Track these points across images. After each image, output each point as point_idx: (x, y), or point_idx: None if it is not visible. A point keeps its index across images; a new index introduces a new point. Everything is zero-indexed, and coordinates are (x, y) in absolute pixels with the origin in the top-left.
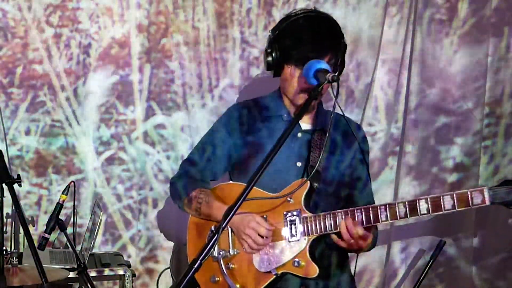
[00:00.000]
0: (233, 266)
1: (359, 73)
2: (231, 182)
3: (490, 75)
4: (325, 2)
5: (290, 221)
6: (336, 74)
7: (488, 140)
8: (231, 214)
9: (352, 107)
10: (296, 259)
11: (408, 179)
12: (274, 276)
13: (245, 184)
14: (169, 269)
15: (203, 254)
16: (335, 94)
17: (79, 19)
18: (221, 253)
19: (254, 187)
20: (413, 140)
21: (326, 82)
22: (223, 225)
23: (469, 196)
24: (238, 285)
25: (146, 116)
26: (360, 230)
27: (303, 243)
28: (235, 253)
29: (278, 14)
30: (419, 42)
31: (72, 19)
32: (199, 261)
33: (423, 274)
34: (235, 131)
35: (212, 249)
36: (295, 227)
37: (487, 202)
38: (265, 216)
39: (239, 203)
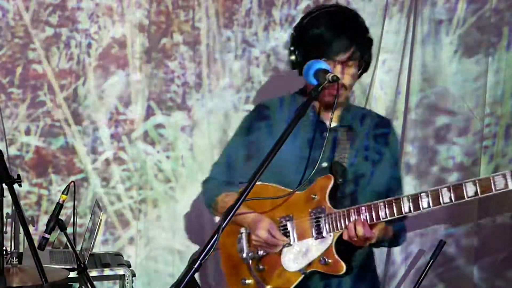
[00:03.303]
0: (263, 267)
1: None
2: (259, 183)
3: (490, 75)
4: (326, 2)
5: (316, 218)
6: (335, 74)
7: (488, 140)
8: (231, 214)
9: None
10: (323, 257)
11: (408, 179)
12: (303, 276)
13: (271, 185)
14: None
15: (203, 254)
16: (336, 93)
17: (79, 19)
18: (249, 254)
19: (278, 186)
20: (413, 140)
21: (326, 82)
22: (223, 225)
23: (492, 181)
24: (269, 287)
25: (146, 116)
26: (365, 233)
27: (329, 240)
28: (264, 253)
29: (278, 14)
30: (419, 42)
31: (72, 19)
32: (199, 261)
33: (423, 274)
34: (257, 132)
35: (212, 248)
36: (320, 224)
37: (510, 186)
38: (291, 215)
39: (239, 203)
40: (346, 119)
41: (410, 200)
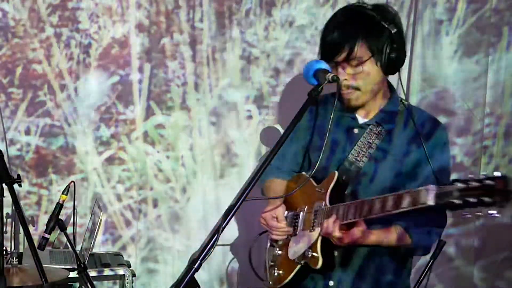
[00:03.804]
0: (280, 252)
1: None
2: (303, 173)
3: (490, 75)
4: (325, 2)
5: (315, 211)
6: (334, 74)
7: (488, 140)
8: (231, 214)
9: None
10: (309, 249)
11: None
12: (299, 266)
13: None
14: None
15: (203, 254)
16: (337, 93)
17: (79, 19)
18: (269, 240)
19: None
20: None
21: (326, 82)
22: (223, 225)
23: (414, 195)
24: (280, 272)
25: (146, 116)
26: (332, 231)
27: (316, 233)
28: (284, 240)
29: (278, 14)
30: (419, 42)
31: (72, 19)
32: (199, 261)
33: (423, 274)
34: (308, 128)
35: (212, 249)
36: (315, 218)
37: (430, 202)
38: (305, 206)
39: (239, 203)
40: (381, 116)
41: (369, 203)
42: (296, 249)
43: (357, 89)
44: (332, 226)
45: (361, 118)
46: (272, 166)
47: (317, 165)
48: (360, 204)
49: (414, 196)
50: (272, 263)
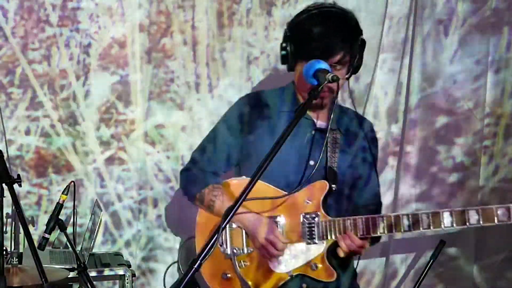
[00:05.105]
0: (247, 264)
1: (359, 73)
2: (243, 177)
3: (490, 75)
4: (325, 1)
5: (309, 223)
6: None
7: (488, 140)
8: (231, 214)
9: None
10: (313, 262)
11: (408, 179)
12: (289, 278)
13: (264, 183)
14: (175, 264)
15: (203, 255)
16: (336, 93)
17: (79, 19)
18: (234, 250)
19: (266, 184)
20: (413, 140)
21: (326, 82)
22: (223, 226)
23: (495, 212)
24: (250, 283)
25: (146, 116)
26: (358, 241)
27: (322, 247)
28: (249, 251)
29: (278, 14)
30: (419, 42)
31: (72, 19)
32: (199, 261)
33: (423, 274)
34: (236, 129)
35: (212, 249)
36: (313, 230)
37: None
38: (281, 215)
39: (239, 203)
40: (336, 120)
41: (411, 219)
42: (286, 262)
43: (332, 90)
44: (350, 241)
45: (318, 122)
46: (206, 172)
47: (315, 167)
48: (395, 218)
49: (487, 213)
50: (235, 274)
